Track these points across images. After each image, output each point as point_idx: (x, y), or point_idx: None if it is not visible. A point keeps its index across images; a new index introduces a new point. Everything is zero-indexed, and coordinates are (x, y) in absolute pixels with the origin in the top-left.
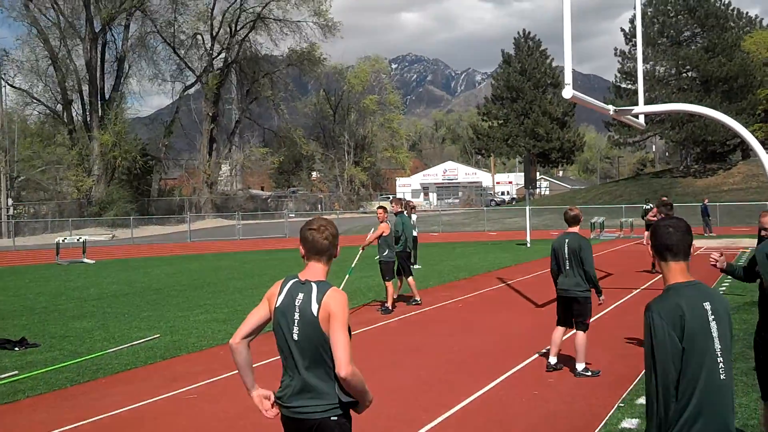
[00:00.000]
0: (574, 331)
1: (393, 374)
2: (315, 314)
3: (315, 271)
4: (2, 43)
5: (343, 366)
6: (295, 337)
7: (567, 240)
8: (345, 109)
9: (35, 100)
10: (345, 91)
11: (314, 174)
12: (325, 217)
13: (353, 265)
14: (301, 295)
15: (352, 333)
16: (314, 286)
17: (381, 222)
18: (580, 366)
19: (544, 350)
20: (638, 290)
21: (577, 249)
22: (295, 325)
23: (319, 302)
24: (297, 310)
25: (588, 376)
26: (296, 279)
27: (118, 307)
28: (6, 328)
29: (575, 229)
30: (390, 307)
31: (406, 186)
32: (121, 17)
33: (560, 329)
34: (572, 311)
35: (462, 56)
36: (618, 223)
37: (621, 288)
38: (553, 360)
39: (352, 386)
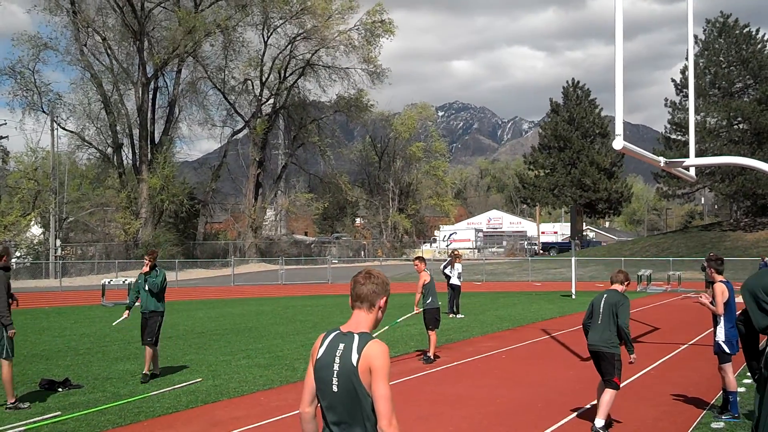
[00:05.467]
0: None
1: (434, 425)
2: (354, 364)
3: (358, 320)
4: (56, 87)
5: (386, 419)
6: (335, 388)
7: (606, 295)
8: (391, 156)
9: (86, 143)
10: (391, 137)
11: (358, 220)
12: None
13: (399, 320)
14: (341, 346)
15: (392, 383)
16: (356, 336)
17: (420, 273)
18: (599, 422)
19: (588, 405)
20: (686, 345)
21: (614, 303)
22: (335, 376)
23: (359, 352)
24: (337, 361)
25: None
26: (338, 331)
27: (161, 350)
28: (50, 368)
29: (617, 287)
30: (432, 357)
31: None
32: (173, 63)
33: (602, 385)
34: (600, 368)
35: (509, 104)
36: (665, 276)
37: (668, 343)
38: (597, 422)
39: None
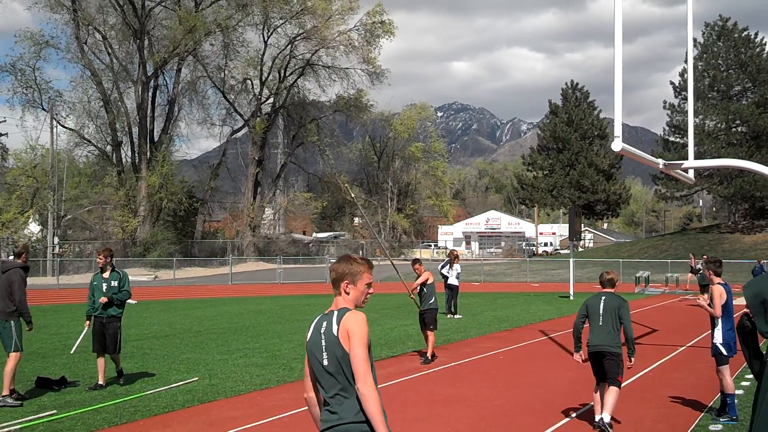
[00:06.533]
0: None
1: (431, 426)
2: (335, 334)
3: (336, 303)
4: (56, 85)
5: (360, 379)
6: (325, 362)
7: (604, 298)
8: (390, 156)
9: (86, 141)
10: (390, 137)
11: (356, 220)
12: (353, 254)
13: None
14: (324, 323)
15: (390, 383)
16: (335, 312)
17: (419, 275)
18: (606, 417)
19: (587, 406)
20: (684, 347)
21: (616, 307)
22: (323, 350)
23: (338, 323)
24: (323, 337)
25: None
26: (321, 314)
27: (158, 348)
28: (47, 366)
29: (611, 290)
30: (430, 357)
31: (448, 234)
32: (173, 62)
33: (601, 386)
34: (604, 368)
35: (508, 106)
36: (663, 278)
37: (666, 345)
38: (601, 417)
39: (366, 401)
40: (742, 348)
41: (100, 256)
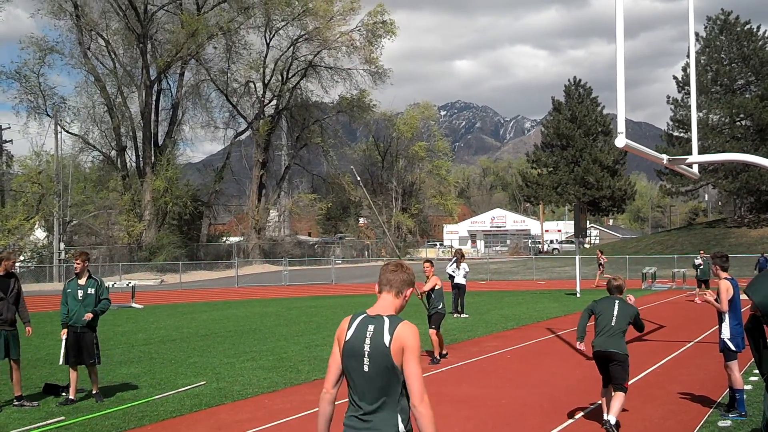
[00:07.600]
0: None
1: (439, 426)
2: (387, 345)
3: (384, 304)
4: (60, 90)
5: (418, 397)
6: (366, 368)
7: (618, 302)
8: (393, 156)
9: (90, 146)
10: (394, 137)
11: (361, 220)
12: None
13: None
14: (371, 327)
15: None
16: (386, 319)
17: (429, 276)
18: (612, 419)
19: (594, 405)
20: (691, 343)
21: (633, 315)
22: (366, 356)
23: (391, 333)
24: (368, 342)
25: None
26: (365, 314)
27: (165, 352)
28: (54, 373)
29: (620, 296)
30: (438, 357)
31: (453, 233)
32: (176, 65)
33: (608, 389)
34: (610, 372)
35: (511, 103)
36: (670, 273)
37: (673, 341)
38: (608, 419)
39: (424, 418)
40: (752, 351)
41: (78, 261)
